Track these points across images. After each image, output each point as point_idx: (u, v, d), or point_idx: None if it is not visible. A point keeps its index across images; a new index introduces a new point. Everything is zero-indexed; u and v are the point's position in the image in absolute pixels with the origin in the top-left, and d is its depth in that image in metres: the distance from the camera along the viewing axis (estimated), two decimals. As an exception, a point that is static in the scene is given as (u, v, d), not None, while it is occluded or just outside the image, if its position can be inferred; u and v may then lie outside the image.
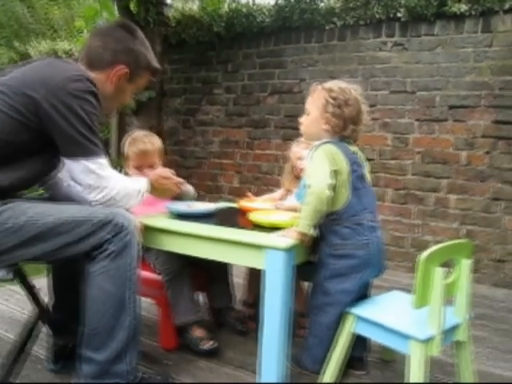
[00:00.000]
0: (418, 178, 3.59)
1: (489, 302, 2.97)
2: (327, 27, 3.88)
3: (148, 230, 1.83)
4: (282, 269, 1.58)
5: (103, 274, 1.50)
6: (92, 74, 1.59)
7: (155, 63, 1.77)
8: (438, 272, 1.49)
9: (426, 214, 3.57)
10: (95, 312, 1.52)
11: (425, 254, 1.48)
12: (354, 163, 1.79)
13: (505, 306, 2.93)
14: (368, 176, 1.89)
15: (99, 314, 1.52)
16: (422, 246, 3.55)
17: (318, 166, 1.74)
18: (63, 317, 1.84)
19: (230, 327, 2.25)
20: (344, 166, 1.75)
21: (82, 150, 1.49)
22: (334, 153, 1.76)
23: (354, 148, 1.87)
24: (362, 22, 3.73)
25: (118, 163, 4.23)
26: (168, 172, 1.95)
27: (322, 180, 1.68)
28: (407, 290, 2.78)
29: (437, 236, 3.53)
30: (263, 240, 1.65)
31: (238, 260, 1.76)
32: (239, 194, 4.33)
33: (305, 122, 1.90)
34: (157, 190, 1.87)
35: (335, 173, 1.73)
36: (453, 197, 3.47)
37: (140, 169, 2.16)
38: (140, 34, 1.73)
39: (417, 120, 3.58)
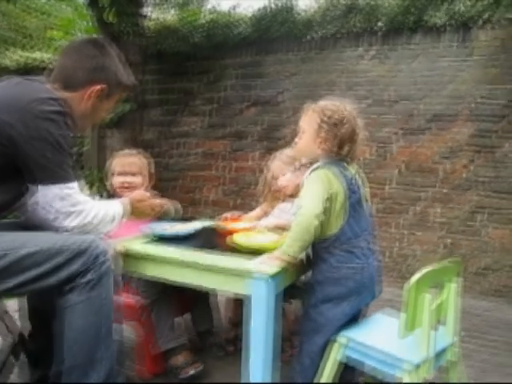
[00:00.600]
0: (402, 187, 3.58)
1: (473, 312, 2.95)
2: (307, 38, 3.86)
3: (128, 256, 1.77)
4: (266, 296, 1.53)
5: (78, 306, 1.43)
6: (66, 94, 1.54)
7: (128, 80, 1.71)
8: (427, 299, 1.46)
9: (409, 224, 3.56)
10: (73, 346, 1.44)
11: (414, 278, 1.44)
12: (351, 188, 1.71)
13: (490, 315, 2.92)
14: (368, 197, 1.82)
15: (77, 348, 1.44)
16: (407, 257, 3.55)
17: (311, 191, 1.67)
18: (40, 346, 1.76)
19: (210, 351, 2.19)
20: (340, 191, 1.67)
21: (50, 176, 1.43)
22: (330, 178, 1.68)
23: (352, 169, 1.78)
24: (341, 33, 3.72)
25: (98, 177, 4.15)
26: (144, 195, 1.89)
27: (313, 208, 1.62)
28: (394, 301, 2.78)
29: (421, 247, 3.52)
30: (247, 267, 1.59)
31: (222, 286, 1.70)
32: (220, 206, 4.28)
33: (300, 142, 1.82)
34: (135, 213, 1.82)
35: (330, 198, 1.66)
36: (435, 207, 3.46)
37: (123, 175, 2.19)
38: (112, 50, 1.67)
39: (398, 131, 3.57)
